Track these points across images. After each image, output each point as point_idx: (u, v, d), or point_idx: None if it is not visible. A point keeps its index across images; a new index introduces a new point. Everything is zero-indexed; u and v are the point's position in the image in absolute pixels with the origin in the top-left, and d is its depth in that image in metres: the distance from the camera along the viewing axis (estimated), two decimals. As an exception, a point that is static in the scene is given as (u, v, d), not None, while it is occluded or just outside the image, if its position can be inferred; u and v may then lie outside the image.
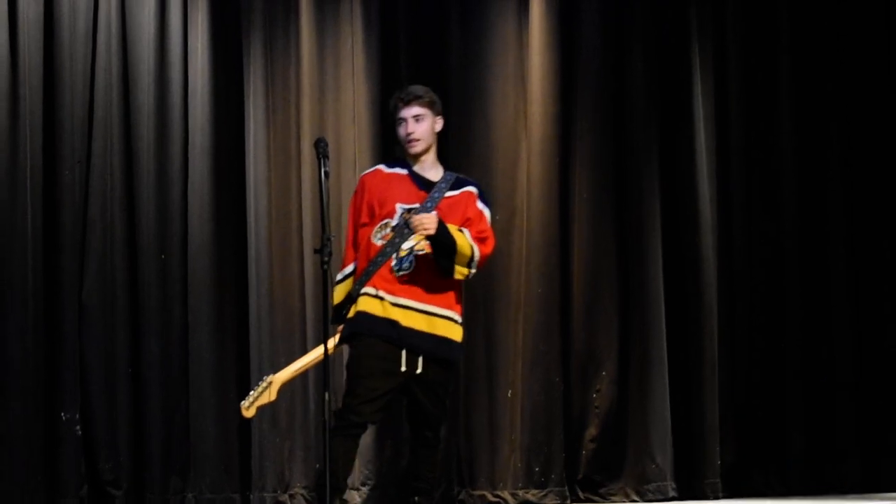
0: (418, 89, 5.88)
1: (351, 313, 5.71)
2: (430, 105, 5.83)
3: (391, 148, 8.13)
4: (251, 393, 5.90)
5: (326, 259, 5.47)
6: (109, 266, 7.73)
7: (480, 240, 5.75)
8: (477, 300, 8.10)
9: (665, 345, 8.06)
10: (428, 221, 5.55)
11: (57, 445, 7.61)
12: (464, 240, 5.67)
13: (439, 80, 8.18)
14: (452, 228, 5.64)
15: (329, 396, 5.44)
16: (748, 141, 8.26)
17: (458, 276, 5.69)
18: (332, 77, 8.01)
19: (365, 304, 5.65)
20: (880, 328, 8.19)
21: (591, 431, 8.11)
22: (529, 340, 8.07)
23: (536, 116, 8.13)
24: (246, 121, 7.96)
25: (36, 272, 7.58)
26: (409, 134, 5.78)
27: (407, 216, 5.64)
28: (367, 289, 5.65)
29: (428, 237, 5.57)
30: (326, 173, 5.60)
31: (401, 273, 5.64)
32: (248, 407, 5.87)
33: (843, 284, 8.14)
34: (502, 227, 8.15)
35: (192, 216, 7.85)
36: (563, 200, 8.17)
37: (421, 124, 5.79)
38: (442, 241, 5.59)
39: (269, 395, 5.86)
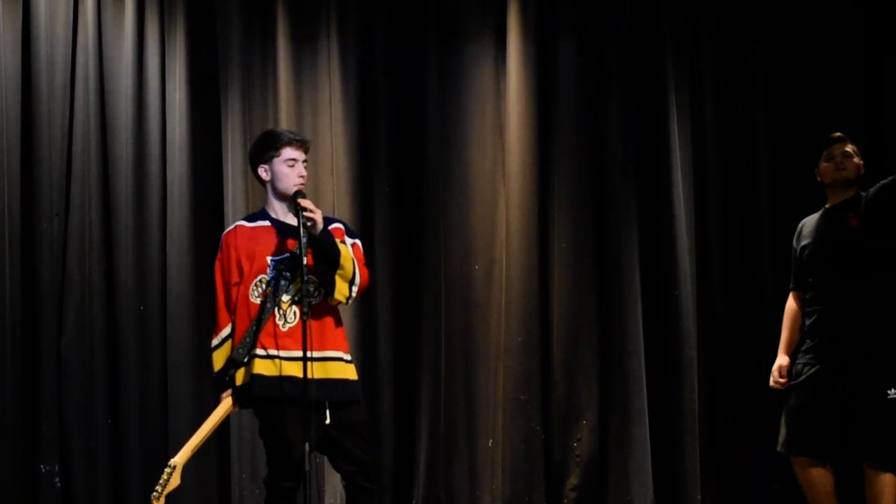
0: (306, 135, 5.91)
1: (243, 378, 5.69)
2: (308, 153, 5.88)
3: (370, 198, 8.18)
4: (160, 483, 5.72)
5: (306, 311, 5.49)
6: (88, 317, 7.71)
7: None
8: (456, 350, 8.11)
9: (645, 394, 8.05)
10: (316, 211, 5.58)
11: (35, 498, 7.57)
12: (347, 251, 5.70)
13: (417, 129, 8.23)
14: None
15: (310, 447, 5.46)
16: (726, 190, 8.28)
17: (338, 297, 5.67)
18: (311, 127, 8.03)
19: (258, 367, 5.64)
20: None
21: (573, 481, 8.09)
22: (510, 390, 8.05)
23: (515, 166, 8.14)
24: (224, 171, 7.97)
25: (14, 324, 7.56)
26: (302, 176, 5.77)
27: (299, 201, 5.62)
28: (257, 350, 5.65)
29: (311, 239, 5.57)
30: (305, 224, 5.62)
31: (287, 327, 5.64)
32: (158, 497, 5.70)
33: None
34: (481, 277, 8.18)
35: (171, 266, 7.84)
36: (543, 250, 8.18)
37: (305, 170, 5.82)
38: (325, 241, 5.61)
39: (176, 480, 5.73)
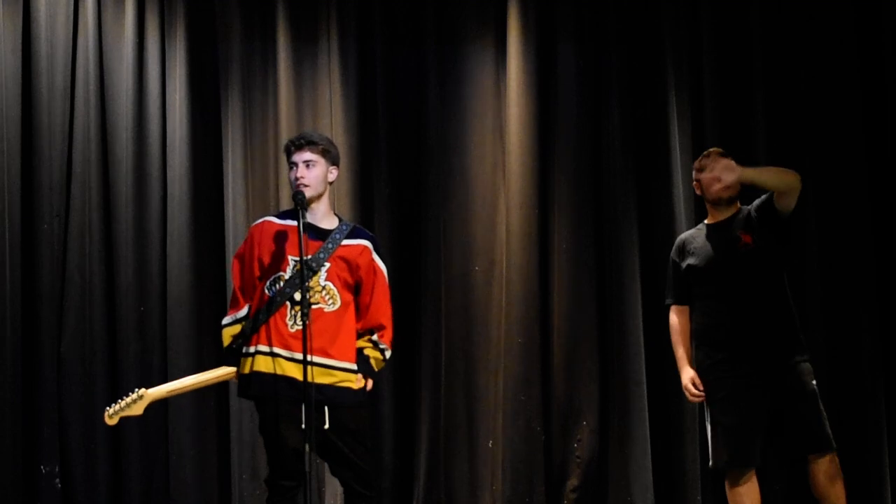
0: (312, 135, 5.96)
1: (248, 368, 5.75)
2: (323, 153, 5.87)
3: (370, 199, 8.18)
4: (120, 401, 5.70)
5: (306, 310, 5.49)
6: (88, 319, 7.72)
7: (382, 309, 5.99)
8: (456, 351, 8.10)
9: (645, 394, 8.05)
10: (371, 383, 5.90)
11: (36, 498, 7.58)
12: (377, 360, 5.95)
13: (417, 131, 8.23)
14: (371, 352, 5.91)
15: (309, 448, 5.46)
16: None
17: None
18: (311, 127, 8.00)
19: (259, 364, 5.71)
20: (857, 383, 8.16)
21: (573, 482, 8.08)
22: (510, 390, 8.05)
23: (515, 167, 8.14)
24: (224, 172, 7.98)
25: (14, 326, 7.57)
26: (298, 178, 5.79)
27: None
28: (262, 347, 5.70)
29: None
30: (303, 223, 5.64)
31: (295, 329, 5.68)
32: (112, 415, 5.65)
33: (822, 337, 8.12)
34: (482, 278, 8.17)
35: (171, 267, 7.85)
36: (543, 251, 8.17)
37: (312, 170, 5.82)
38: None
39: (137, 410, 5.71)
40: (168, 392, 5.83)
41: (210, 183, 8.02)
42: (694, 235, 6.54)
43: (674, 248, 6.62)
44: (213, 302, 7.91)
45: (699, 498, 8.02)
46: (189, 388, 5.87)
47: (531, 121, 8.19)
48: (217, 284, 7.92)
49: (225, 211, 7.93)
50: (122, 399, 5.72)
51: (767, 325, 6.28)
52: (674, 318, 6.61)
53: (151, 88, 7.91)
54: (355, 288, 5.91)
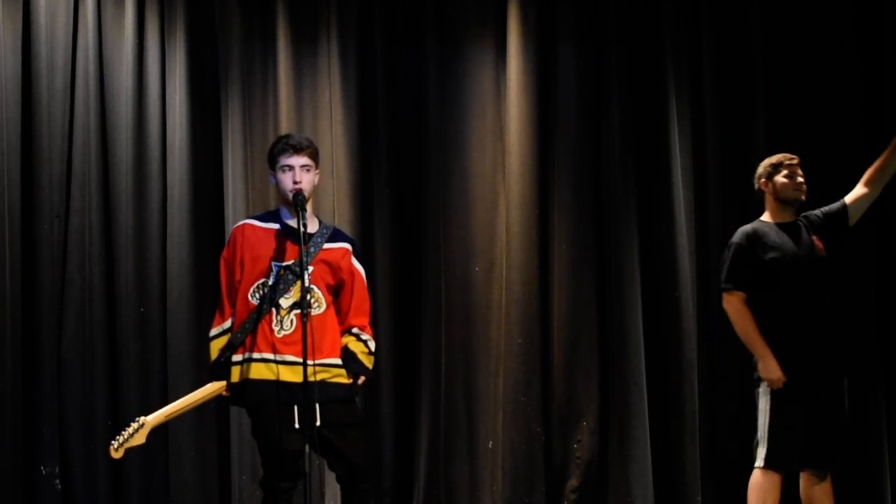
0: (306, 139, 5.92)
1: (239, 376, 5.74)
2: (314, 157, 5.87)
3: (370, 200, 8.18)
4: (123, 433, 5.73)
5: (307, 311, 5.49)
6: (88, 320, 7.71)
7: (361, 309, 5.99)
8: (456, 351, 8.10)
9: (645, 395, 8.05)
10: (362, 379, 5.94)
11: (36, 499, 7.57)
12: (363, 353, 5.94)
13: (417, 131, 8.23)
14: (355, 345, 5.91)
15: (309, 448, 5.47)
16: (726, 194, 8.26)
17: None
18: (311, 129, 8.02)
19: (251, 371, 5.71)
20: (857, 387, 8.14)
21: (573, 482, 8.08)
22: (510, 391, 8.04)
23: (515, 168, 8.14)
24: (224, 173, 7.96)
25: (14, 326, 7.56)
26: (297, 182, 5.76)
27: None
28: (254, 354, 5.70)
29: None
30: (305, 225, 5.63)
31: (282, 334, 5.68)
32: (118, 448, 5.70)
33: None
34: (481, 278, 8.17)
35: (171, 268, 7.84)
36: (543, 251, 8.17)
37: (307, 174, 5.81)
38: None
39: (140, 439, 5.73)
40: (166, 416, 5.84)
41: (210, 183, 8.01)
42: (765, 230, 6.55)
43: (741, 236, 6.58)
44: (213, 302, 7.89)
45: (699, 498, 8.03)
46: (185, 409, 5.87)
47: (531, 121, 8.19)
48: (217, 286, 7.89)
49: (225, 211, 7.92)
50: (124, 430, 5.75)
51: (828, 333, 6.37)
52: (742, 305, 6.54)
53: (151, 89, 7.91)
54: (336, 290, 5.91)
